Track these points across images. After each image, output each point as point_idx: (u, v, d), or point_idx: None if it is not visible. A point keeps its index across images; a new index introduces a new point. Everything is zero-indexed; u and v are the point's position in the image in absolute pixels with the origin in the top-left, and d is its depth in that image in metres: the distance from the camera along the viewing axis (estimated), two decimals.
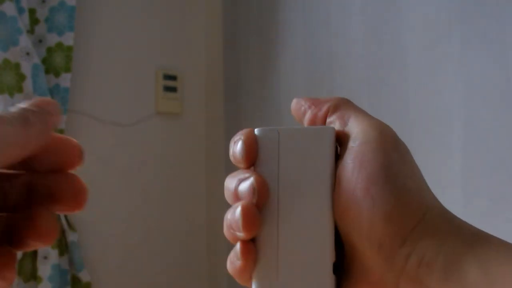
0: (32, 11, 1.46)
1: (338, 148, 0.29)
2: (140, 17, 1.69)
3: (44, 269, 1.37)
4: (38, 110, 0.25)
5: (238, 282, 0.29)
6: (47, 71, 1.46)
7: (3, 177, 0.27)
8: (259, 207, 0.27)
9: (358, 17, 1.28)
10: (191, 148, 1.76)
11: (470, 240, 0.25)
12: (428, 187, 0.28)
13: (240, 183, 0.28)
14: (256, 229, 0.27)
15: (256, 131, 0.29)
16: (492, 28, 0.98)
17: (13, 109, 0.24)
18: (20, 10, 1.40)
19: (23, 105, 0.25)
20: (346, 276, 0.28)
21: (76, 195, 0.26)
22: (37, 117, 0.24)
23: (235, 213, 0.27)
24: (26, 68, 1.39)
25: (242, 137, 0.29)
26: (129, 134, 1.61)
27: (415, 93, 1.13)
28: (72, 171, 0.27)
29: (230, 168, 1.36)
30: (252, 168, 0.29)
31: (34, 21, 1.47)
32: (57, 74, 1.47)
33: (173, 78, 1.72)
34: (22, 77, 1.39)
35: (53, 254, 1.38)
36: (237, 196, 0.28)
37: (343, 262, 0.29)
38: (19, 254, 1.29)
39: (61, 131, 1.47)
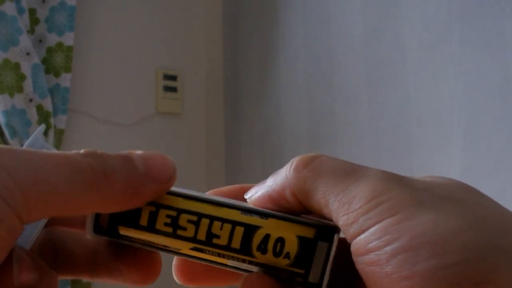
0: (32, 11, 1.46)
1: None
2: (140, 17, 1.69)
3: None
4: (138, 171, 0.21)
5: None
6: (47, 71, 1.46)
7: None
8: None
9: (358, 17, 1.28)
10: (191, 148, 1.76)
11: None
12: None
13: None
14: None
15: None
16: (492, 28, 0.98)
17: (112, 155, 0.21)
18: (20, 10, 1.40)
19: (138, 153, 0.22)
20: None
21: (146, 277, 0.24)
22: (126, 176, 0.21)
23: None
24: (26, 68, 1.39)
25: None
26: (129, 134, 1.61)
27: (415, 93, 1.13)
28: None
29: (230, 168, 1.37)
30: None
31: (34, 21, 1.47)
32: (57, 74, 1.47)
33: (173, 78, 1.72)
34: (22, 77, 1.39)
35: None
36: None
37: None
38: None
39: (61, 131, 1.47)
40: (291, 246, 0.22)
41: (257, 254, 0.22)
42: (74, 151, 0.21)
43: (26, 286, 0.21)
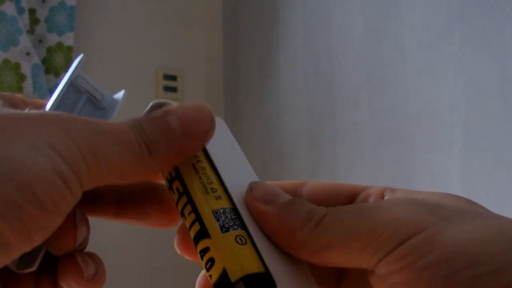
0: (32, 11, 1.46)
1: None
2: (140, 17, 1.69)
3: None
4: (177, 134, 0.22)
5: None
6: (47, 71, 1.46)
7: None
8: None
9: (358, 17, 1.28)
10: None
11: None
12: None
13: None
14: None
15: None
16: (492, 28, 0.98)
17: (148, 121, 0.22)
18: (20, 10, 1.40)
19: (164, 114, 0.22)
20: None
21: (170, 220, 0.26)
22: (169, 145, 0.22)
23: None
24: (26, 68, 1.39)
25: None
26: None
27: (415, 93, 1.13)
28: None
29: None
30: None
31: (34, 21, 1.47)
32: (57, 74, 1.47)
33: (173, 78, 1.72)
34: (22, 77, 1.39)
35: None
36: None
37: None
38: None
39: None
40: (215, 272, 0.21)
41: (200, 256, 0.22)
42: (125, 121, 0.22)
43: (83, 243, 0.24)
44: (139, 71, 1.67)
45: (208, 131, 0.22)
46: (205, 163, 0.24)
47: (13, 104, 0.23)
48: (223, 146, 0.25)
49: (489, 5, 0.99)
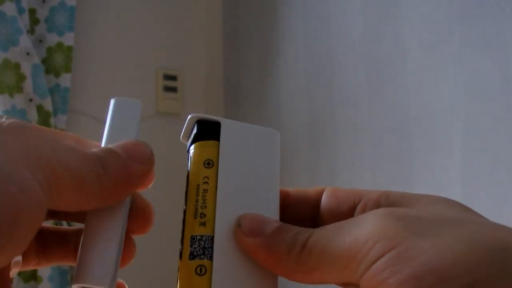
0: (32, 11, 1.46)
1: None
2: (140, 17, 1.69)
3: (44, 269, 1.37)
4: (122, 157, 0.23)
5: None
6: (47, 71, 1.46)
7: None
8: None
9: (358, 17, 1.28)
10: None
11: None
12: None
13: None
14: None
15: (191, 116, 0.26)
16: (492, 28, 0.98)
17: (95, 149, 0.22)
18: (20, 10, 1.40)
19: (110, 146, 0.23)
20: None
21: (142, 215, 0.25)
22: (118, 165, 0.22)
23: None
24: (26, 68, 1.39)
25: None
26: None
27: (415, 93, 1.13)
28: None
29: None
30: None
31: (34, 21, 1.47)
32: (57, 74, 1.47)
33: (173, 78, 1.72)
34: (22, 77, 1.39)
35: None
36: None
37: None
38: None
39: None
40: None
41: None
42: (91, 150, 0.22)
43: None
44: (139, 71, 1.67)
45: (150, 156, 0.23)
46: (210, 185, 0.24)
47: None
48: (254, 161, 0.25)
49: (489, 5, 0.99)
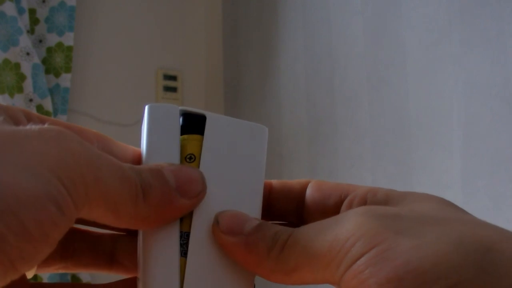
0: (32, 11, 1.46)
1: None
2: (140, 17, 1.69)
3: None
4: (170, 186, 0.21)
5: None
6: (47, 71, 1.46)
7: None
8: None
9: (358, 17, 1.28)
10: None
11: None
12: None
13: None
14: None
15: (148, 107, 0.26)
16: (492, 28, 0.98)
17: (145, 169, 0.21)
18: (20, 10, 1.40)
19: (162, 165, 0.22)
20: None
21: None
22: (162, 195, 0.21)
23: None
24: (26, 68, 1.39)
25: None
26: (129, 134, 1.61)
27: (415, 93, 1.13)
28: None
29: None
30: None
31: (34, 21, 1.47)
32: (57, 74, 1.47)
33: (173, 78, 1.72)
34: (22, 77, 1.39)
35: None
36: None
37: None
38: None
39: None
40: None
41: None
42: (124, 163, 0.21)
43: None
44: (139, 71, 1.67)
45: (199, 192, 0.22)
46: None
47: (13, 118, 0.21)
48: (238, 156, 0.25)
49: (489, 5, 0.99)
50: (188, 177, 0.22)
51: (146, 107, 0.25)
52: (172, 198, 0.21)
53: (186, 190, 0.22)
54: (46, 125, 0.19)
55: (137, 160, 0.25)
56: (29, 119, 0.22)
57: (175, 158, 0.24)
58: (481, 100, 1.00)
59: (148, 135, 0.24)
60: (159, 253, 0.22)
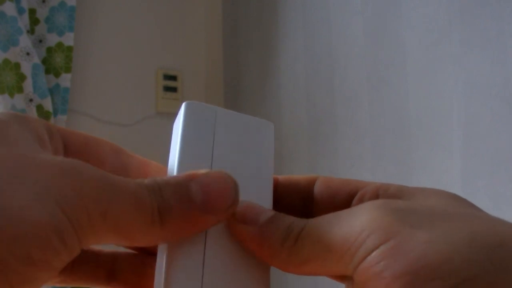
0: (32, 11, 1.46)
1: None
2: (140, 17, 1.69)
3: None
4: (196, 204, 0.21)
5: None
6: (47, 71, 1.46)
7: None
8: None
9: (358, 17, 1.28)
10: None
11: None
12: None
13: None
14: None
15: (186, 104, 0.25)
16: (492, 28, 0.98)
17: (170, 183, 0.20)
18: (20, 10, 1.40)
19: (183, 179, 0.21)
20: None
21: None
22: (183, 215, 0.20)
23: None
24: (26, 68, 1.39)
25: None
26: (129, 134, 1.61)
27: (415, 93, 1.13)
28: None
29: None
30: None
31: (34, 21, 1.47)
32: (57, 74, 1.47)
33: (173, 78, 1.72)
34: (22, 77, 1.39)
35: None
36: None
37: None
38: None
39: None
40: None
41: None
42: (144, 181, 0.20)
43: None
44: (139, 71, 1.67)
45: (229, 207, 0.21)
46: None
47: (36, 135, 0.21)
48: (248, 151, 0.25)
49: (489, 5, 0.99)
50: (220, 190, 0.21)
51: (183, 105, 0.25)
52: (195, 218, 0.21)
53: (214, 206, 0.21)
54: (62, 158, 0.19)
55: (159, 171, 0.25)
56: (50, 135, 0.22)
57: (208, 163, 0.24)
58: (481, 100, 1.00)
59: (183, 136, 0.24)
60: (183, 266, 0.22)
